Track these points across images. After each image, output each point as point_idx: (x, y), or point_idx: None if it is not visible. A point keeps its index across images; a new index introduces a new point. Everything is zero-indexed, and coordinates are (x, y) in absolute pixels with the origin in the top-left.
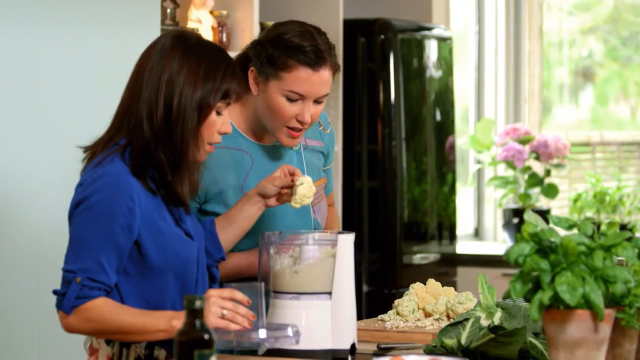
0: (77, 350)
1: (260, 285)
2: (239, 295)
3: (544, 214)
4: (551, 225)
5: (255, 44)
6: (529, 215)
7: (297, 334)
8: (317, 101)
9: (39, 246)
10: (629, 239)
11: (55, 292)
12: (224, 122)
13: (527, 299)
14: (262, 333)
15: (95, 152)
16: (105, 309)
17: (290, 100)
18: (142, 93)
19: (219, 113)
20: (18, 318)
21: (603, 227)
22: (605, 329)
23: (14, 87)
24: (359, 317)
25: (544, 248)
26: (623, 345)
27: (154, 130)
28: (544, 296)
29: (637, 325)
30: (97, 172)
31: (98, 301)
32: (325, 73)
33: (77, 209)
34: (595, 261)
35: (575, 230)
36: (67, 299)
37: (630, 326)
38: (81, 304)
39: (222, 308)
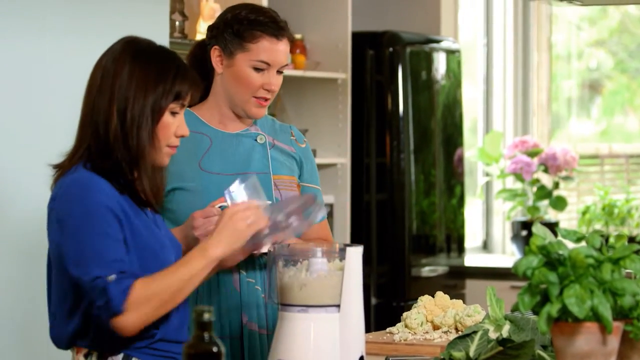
0: None
1: (254, 177)
2: (253, 203)
3: (552, 226)
4: (559, 237)
5: (215, 26)
6: (537, 228)
7: (320, 204)
8: (278, 71)
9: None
10: (638, 252)
11: (97, 307)
12: (180, 124)
13: (536, 311)
14: (293, 219)
15: (64, 168)
16: (148, 285)
17: (257, 70)
18: (95, 101)
19: (174, 114)
20: (26, 321)
21: (612, 240)
22: (614, 341)
23: (24, 91)
24: (367, 329)
25: (552, 261)
26: (631, 358)
27: (109, 136)
28: (552, 309)
29: None
30: (64, 182)
31: (136, 285)
32: (286, 43)
33: (63, 224)
34: (603, 274)
35: (583, 243)
36: (114, 300)
37: (638, 339)
38: (127, 295)
39: (244, 219)
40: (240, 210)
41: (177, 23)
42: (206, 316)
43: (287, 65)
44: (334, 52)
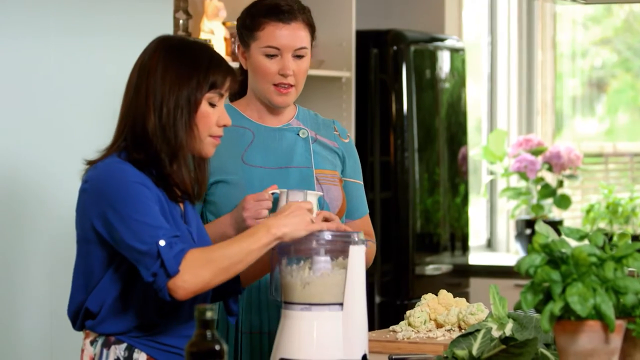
0: None
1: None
2: (316, 210)
3: (556, 225)
4: (562, 236)
5: (236, 25)
6: (540, 226)
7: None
8: (297, 56)
9: (51, 249)
10: None
11: (153, 274)
12: (221, 114)
13: (538, 309)
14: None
15: (97, 161)
16: (205, 251)
17: (269, 56)
18: (133, 100)
19: (212, 105)
20: (30, 321)
21: (615, 238)
22: (616, 340)
23: (29, 91)
24: (371, 328)
25: (555, 259)
26: (634, 356)
27: (147, 131)
28: (555, 307)
29: None
30: (97, 167)
31: (192, 250)
32: (297, 27)
33: (107, 209)
34: (606, 272)
35: (586, 241)
36: (169, 262)
37: None
38: (182, 257)
39: (310, 215)
40: (308, 207)
41: (181, 21)
42: (208, 314)
43: (304, 48)
44: (337, 51)
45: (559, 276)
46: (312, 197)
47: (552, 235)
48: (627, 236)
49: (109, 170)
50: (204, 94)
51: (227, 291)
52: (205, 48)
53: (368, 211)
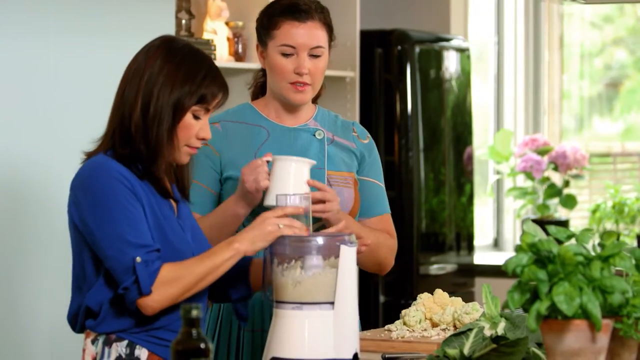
0: None
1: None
2: (289, 210)
3: (563, 224)
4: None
5: (255, 25)
6: (527, 226)
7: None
8: (313, 55)
9: (51, 249)
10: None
11: (124, 288)
12: (203, 127)
13: (525, 309)
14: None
15: (90, 155)
16: (174, 270)
17: (285, 55)
18: (125, 92)
19: (197, 117)
20: (30, 320)
21: (621, 239)
22: (603, 339)
23: (30, 90)
24: (374, 327)
25: (542, 258)
26: (622, 356)
27: (131, 126)
28: (542, 306)
29: (636, 336)
30: (84, 165)
31: (164, 268)
32: (313, 25)
33: (87, 209)
34: (592, 271)
35: (573, 241)
36: (143, 281)
37: (628, 336)
38: (156, 277)
39: (275, 223)
40: (275, 215)
41: (183, 22)
42: (194, 313)
43: (320, 47)
44: (342, 51)
45: (546, 275)
46: (304, 164)
47: (539, 234)
48: (613, 235)
49: (93, 170)
50: (192, 104)
51: (236, 297)
52: (205, 60)
53: (389, 211)
